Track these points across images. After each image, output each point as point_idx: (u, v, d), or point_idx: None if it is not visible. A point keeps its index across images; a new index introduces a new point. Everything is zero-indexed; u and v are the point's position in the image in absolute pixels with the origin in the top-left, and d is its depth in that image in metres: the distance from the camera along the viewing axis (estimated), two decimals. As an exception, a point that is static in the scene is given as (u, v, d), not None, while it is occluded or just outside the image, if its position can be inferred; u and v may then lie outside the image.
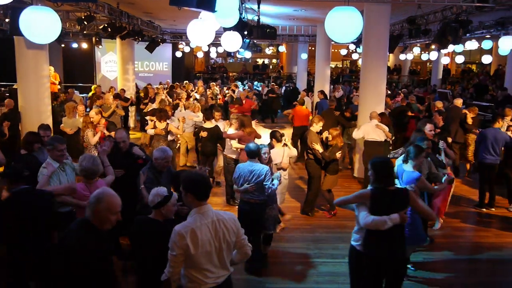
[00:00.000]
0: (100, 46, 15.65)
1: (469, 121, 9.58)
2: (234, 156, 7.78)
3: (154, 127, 8.23)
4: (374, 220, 3.74)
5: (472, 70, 28.69)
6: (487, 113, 13.20)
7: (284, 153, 6.70)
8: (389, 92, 17.88)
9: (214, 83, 18.21)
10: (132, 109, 15.48)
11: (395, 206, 3.80)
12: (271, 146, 6.56)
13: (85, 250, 2.94)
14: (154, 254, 3.50)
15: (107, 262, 3.17)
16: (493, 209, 8.02)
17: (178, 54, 21.78)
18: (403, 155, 5.37)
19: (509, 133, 8.29)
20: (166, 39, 20.16)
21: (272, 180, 5.41)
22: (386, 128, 8.65)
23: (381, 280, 3.98)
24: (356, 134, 8.91)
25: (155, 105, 11.15)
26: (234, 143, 7.61)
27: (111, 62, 20.94)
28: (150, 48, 16.47)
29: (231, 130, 7.82)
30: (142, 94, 15.55)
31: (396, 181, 4.99)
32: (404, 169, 5.04)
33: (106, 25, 11.88)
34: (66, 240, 3.02)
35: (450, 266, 5.90)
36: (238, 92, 16.22)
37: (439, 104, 11.56)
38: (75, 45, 19.23)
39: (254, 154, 5.46)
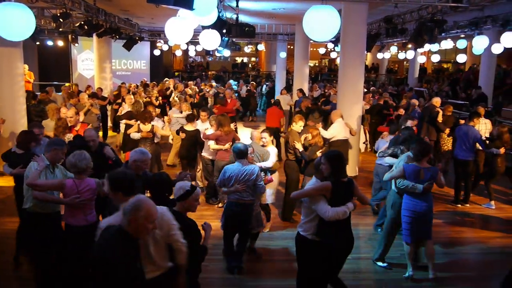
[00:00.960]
0: (76, 44, 15.38)
1: (439, 119, 9.70)
2: (211, 157, 7.80)
3: (139, 130, 7.77)
4: (337, 211, 4.00)
5: (447, 69, 29.25)
6: (462, 111, 13.49)
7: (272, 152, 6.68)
8: (373, 88, 18.19)
9: (191, 82, 18.14)
10: (109, 108, 15.21)
11: (348, 196, 4.16)
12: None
13: (124, 261, 2.85)
14: None
15: (141, 271, 3.06)
16: (468, 205, 8.21)
17: (157, 52, 21.62)
18: (404, 156, 5.66)
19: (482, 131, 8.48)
20: (144, 37, 19.95)
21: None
22: (354, 127, 8.95)
23: (332, 265, 4.32)
24: (329, 133, 8.55)
25: (127, 107, 10.37)
26: (212, 144, 7.60)
27: (87, 60, 20.61)
28: (128, 46, 16.26)
29: (210, 131, 7.76)
30: (115, 93, 14.71)
31: (406, 182, 5.15)
32: (422, 166, 5.14)
33: (82, 22, 11.66)
34: (105, 251, 2.87)
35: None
36: (213, 91, 16.08)
37: (416, 102, 11.80)
38: (50, 43, 18.90)
39: (243, 154, 5.42)
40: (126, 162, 4.95)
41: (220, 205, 7.68)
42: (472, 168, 8.38)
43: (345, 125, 8.63)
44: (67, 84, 14.83)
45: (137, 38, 17.08)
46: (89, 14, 11.64)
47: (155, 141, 7.93)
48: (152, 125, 7.82)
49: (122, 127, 9.93)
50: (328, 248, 4.17)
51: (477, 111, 9.01)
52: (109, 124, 14.35)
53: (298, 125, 7.34)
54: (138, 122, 7.86)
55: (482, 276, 5.78)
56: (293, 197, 4.50)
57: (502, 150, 7.89)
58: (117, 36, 14.50)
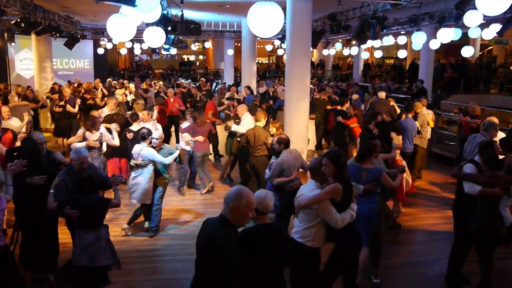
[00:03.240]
0: (13, 43, 14.66)
1: (398, 110, 10.23)
2: (188, 149, 8.39)
3: (84, 139, 7.08)
4: (345, 218, 3.88)
5: (390, 64, 30.31)
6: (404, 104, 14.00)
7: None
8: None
9: (127, 81, 17.60)
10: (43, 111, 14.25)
11: (351, 195, 4.03)
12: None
13: (232, 248, 2.97)
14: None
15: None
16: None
17: (100, 51, 20.93)
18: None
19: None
20: (87, 35, 19.28)
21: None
22: (304, 122, 9.34)
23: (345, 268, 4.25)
24: (240, 128, 8.46)
25: (106, 110, 9.35)
26: (186, 137, 8.34)
27: (26, 60, 19.60)
28: (69, 45, 15.65)
29: (185, 124, 8.44)
30: (56, 96, 12.63)
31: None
32: (364, 167, 4.85)
33: (19, 19, 11.12)
34: (216, 240, 2.94)
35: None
36: (151, 92, 15.46)
37: (354, 97, 12.23)
38: (-16, 42, 17.89)
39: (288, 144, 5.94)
40: (69, 163, 4.87)
41: (204, 191, 8.53)
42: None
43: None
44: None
45: (79, 36, 16.47)
46: (25, 11, 11.10)
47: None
48: (101, 133, 7.30)
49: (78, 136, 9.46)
50: (341, 251, 4.11)
51: (412, 104, 9.48)
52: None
53: (262, 122, 7.53)
54: (84, 130, 7.23)
55: (424, 261, 6.03)
56: (301, 206, 3.99)
57: None
58: (58, 34, 13.91)
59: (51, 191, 4.49)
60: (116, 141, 7.61)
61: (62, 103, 11.56)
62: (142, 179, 6.37)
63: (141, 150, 6.36)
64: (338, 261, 4.16)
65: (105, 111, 9.28)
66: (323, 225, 3.97)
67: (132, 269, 5.57)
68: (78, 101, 12.10)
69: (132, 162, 6.52)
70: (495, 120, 7.66)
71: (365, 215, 4.64)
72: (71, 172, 4.69)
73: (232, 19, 17.53)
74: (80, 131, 7.31)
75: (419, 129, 8.85)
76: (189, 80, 21.08)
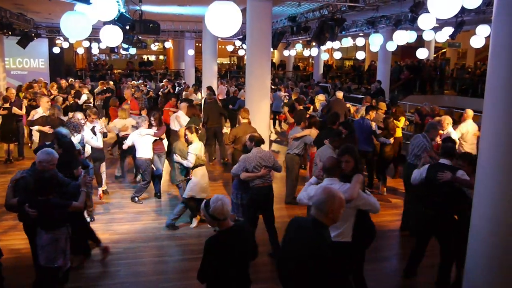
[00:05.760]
0: (-38, 41, 14.04)
1: (352, 110, 10.44)
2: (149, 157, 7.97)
3: None
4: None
5: (350, 65, 30.94)
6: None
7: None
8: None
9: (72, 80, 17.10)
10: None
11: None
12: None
13: (330, 254, 2.98)
14: None
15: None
16: (374, 190, 8.67)
17: (56, 50, 20.28)
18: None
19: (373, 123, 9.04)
20: (41, 34, 18.70)
21: None
22: (265, 122, 9.49)
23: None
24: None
25: (41, 111, 9.02)
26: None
27: (-24, 59, 18.82)
28: (23, 44, 15.08)
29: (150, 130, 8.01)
30: None
31: None
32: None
33: (-33, 17, 10.66)
34: (321, 245, 2.98)
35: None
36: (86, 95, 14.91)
37: (322, 97, 12.37)
38: None
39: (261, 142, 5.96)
40: (33, 163, 4.76)
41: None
42: (372, 158, 8.95)
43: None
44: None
45: (33, 34, 15.93)
46: (-25, 8, 10.65)
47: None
48: (82, 136, 7.11)
49: (36, 135, 9.07)
50: (359, 242, 4.24)
51: (378, 106, 9.67)
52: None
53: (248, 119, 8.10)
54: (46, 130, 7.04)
55: (378, 257, 6.17)
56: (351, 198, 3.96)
57: (391, 140, 8.58)
58: (10, 33, 13.42)
59: (10, 184, 4.48)
60: (99, 143, 7.56)
61: (7, 105, 10.51)
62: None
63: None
64: (359, 252, 4.41)
65: (39, 112, 9.04)
66: (354, 218, 4.10)
67: (94, 273, 5.50)
68: (25, 102, 11.37)
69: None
70: (470, 113, 8.01)
71: None
72: (35, 172, 4.57)
73: (192, 19, 17.36)
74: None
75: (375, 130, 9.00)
76: (140, 81, 20.12)
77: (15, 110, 10.61)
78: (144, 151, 7.78)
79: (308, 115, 9.57)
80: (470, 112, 8.16)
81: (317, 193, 3.13)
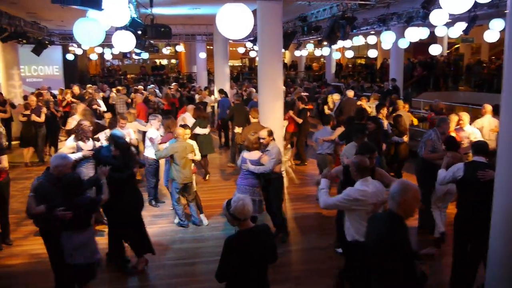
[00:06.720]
0: (-23, 51, 14.27)
1: (368, 110, 10.33)
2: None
3: (79, 149, 6.51)
4: None
5: (361, 64, 30.74)
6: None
7: None
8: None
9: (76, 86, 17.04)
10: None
11: None
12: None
13: (405, 242, 3.02)
14: None
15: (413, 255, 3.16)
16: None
17: (70, 56, 20.51)
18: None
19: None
20: (55, 41, 18.88)
21: None
22: (279, 123, 9.48)
23: None
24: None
25: (77, 118, 8.65)
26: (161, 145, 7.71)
27: (-8, 68, 19.10)
28: (37, 51, 15.25)
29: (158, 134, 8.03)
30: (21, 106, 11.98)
31: None
32: None
33: (-18, 26, 10.84)
34: (386, 237, 3.04)
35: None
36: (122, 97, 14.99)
37: (337, 97, 12.32)
38: None
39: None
40: (47, 168, 4.76)
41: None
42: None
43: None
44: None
45: (46, 42, 16.09)
46: (-11, 17, 10.83)
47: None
48: (93, 142, 6.90)
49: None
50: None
51: (385, 103, 9.60)
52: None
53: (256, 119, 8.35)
54: (75, 140, 6.62)
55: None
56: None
57: (405, 138, 8.52)
58: (24, 41, 13.61)
59: (31, 194, 4.49)
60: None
61: (28, 112, 11.03)
62: None
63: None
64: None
65: (76, 118, 8.93)
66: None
67: (113, 276, 5.50)
68: (44, 110, 11.45)
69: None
70: (488, 108, 7.87)
71: None
72: (50, 177, 4.61)
73: (203, 22, 17.41)
74: (72, 143, 6.61)
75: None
76: (152, 85, 19.81)
77: (34, 117, 10.96)
78: (149, 150, 7.96)
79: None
80: (488, 108, 7.97)
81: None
